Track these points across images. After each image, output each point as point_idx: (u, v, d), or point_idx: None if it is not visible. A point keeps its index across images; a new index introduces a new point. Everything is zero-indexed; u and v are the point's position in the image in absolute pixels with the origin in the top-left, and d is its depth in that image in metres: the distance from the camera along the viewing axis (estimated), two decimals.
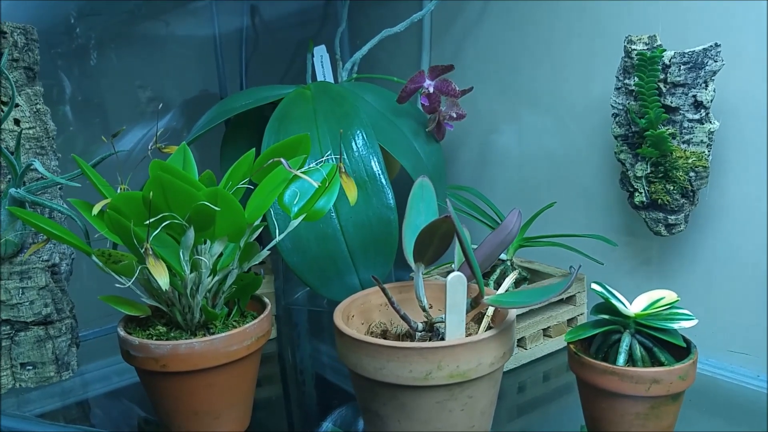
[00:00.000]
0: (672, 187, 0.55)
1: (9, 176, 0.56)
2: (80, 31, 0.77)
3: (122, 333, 0.46)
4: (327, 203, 0.47)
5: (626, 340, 0.43)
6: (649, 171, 0.57)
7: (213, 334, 0.46)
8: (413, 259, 0.44)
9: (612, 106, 0.58)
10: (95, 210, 0.42)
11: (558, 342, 0.61)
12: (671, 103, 0.54)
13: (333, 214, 0.59)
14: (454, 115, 0.67)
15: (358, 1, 0.92)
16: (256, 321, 0.47)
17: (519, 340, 0.59)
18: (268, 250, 0.48)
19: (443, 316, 0.42)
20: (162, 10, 0.85)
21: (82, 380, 0.63)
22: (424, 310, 0.45)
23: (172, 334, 0.46)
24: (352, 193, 0.46)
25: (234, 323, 0.48)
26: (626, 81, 0.56)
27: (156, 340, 0.45)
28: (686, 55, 0.52)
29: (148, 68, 0.83)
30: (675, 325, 0.42)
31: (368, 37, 0.74)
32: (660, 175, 0.56)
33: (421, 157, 0.66)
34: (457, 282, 0.40)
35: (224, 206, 0.41)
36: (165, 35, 0.85)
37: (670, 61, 0.53)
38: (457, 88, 0.65)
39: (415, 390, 0.39)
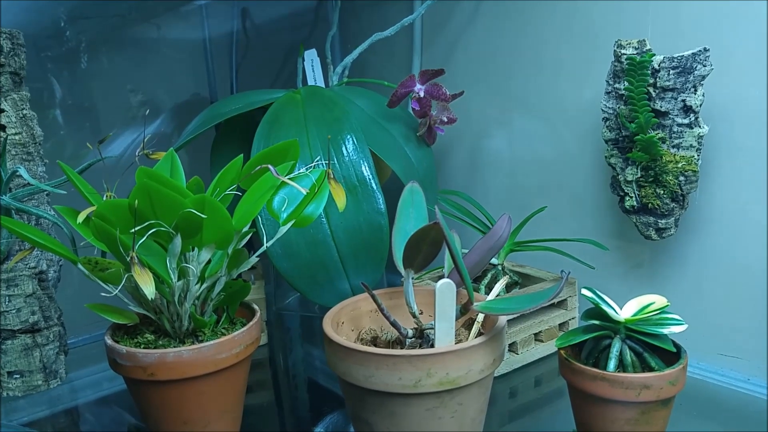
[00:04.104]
0: (662, 191, 0.55)
1: None
2: (70, 35, 0.76)
3: (109, 341, 0.45)
4: (316, 209, 0.47)
5: (616, 346, 0.43)
6: (639, 175, 0.57)
7: (202, 341, 0.45)
8: (403, 265, 0.44)
9: (602, 110, 0.58)
10: (80, 218, 0.42)
11: (549, 346, 0.61)
12: (661, 107, 0.54)
13: (323, 220, 0.59)
14: (445, 120, 0.66)
15: (349, 4, 0.92)
16: (245, 328, 0.46)
17: (510, 345, 0.59)
18: (256, 257, 0.47)
19: (433, 322, 0.41)
20: (152, 14, 0.84)
21: (71, 387, 0.62)
22: (414, 316, 0.44)
23: (161, 342, 0.46)
24: (340, 200, 0.46)
25: (223, 331, 0.48)
26: (616, 85, 0.56)
27: (144, 348, 0.44)
28: (675, 60, 0.52)
29: (139, 72, 0.83)
30: (665, 330, 0.42)
31: (359, 40, 0.74)
32: (650, 179, 0.56)
33: (412, 161, 0.66)
34: (445, 289, 0.40)
35: (211, 213, 0.40)
36: (155, 39, 0.85)
37: (659, 65, 0.53)
38: (448, 93, 0.65)
39: (405, 398, 0.39)
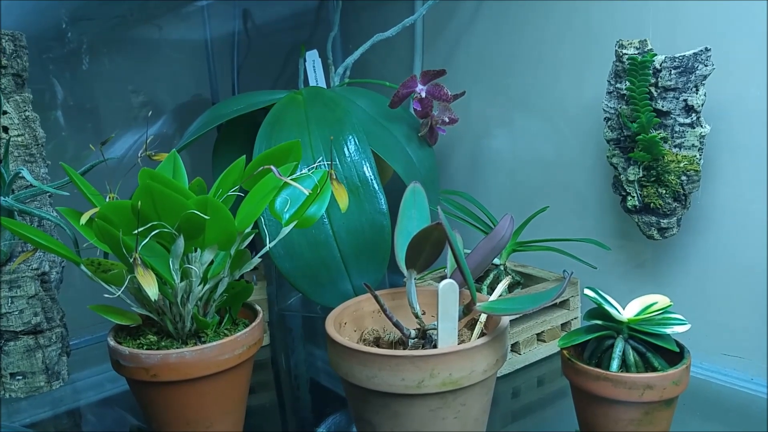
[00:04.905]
0: (664, 191, 0.55)
1: None
2: (72, 36, 0.76)
3: (112, 342, 0.45)
4: (318, 210, 0.47)
5: (619, 346, 0.43)
6: (641, 175, 0.57)
7: (204, 342, 0.45)
8: (405, 265, 0.44)
9: (604, 110, 0.58)
10: (83, 219, 0.42)
11: (552, 346, 0.61)
12: (662, 107, 0.54)
13: (325, 220, 0.59)
14: (447, 120, 0.66)
15: (350, 5, 0.92)
16: (247, 329, 0.46)
17: (513, 345, 0.59)
18: (259, 257, 0.47)
19: (436, 322, 0.41)
20: (154, 15, 0.84)
21: (74, 389, 0.62)
22: (416, 316, 0.44)
23: (163, 344, 0.46)
24: (343, 200, 0.46)
25: (225, 332, 0.48)
26: (618, 85, 0.56)
27: (146, 349, 0.44)
28: (677, 60, 0.52)
29: (140, 73, 0.83)
30: (668, 330, 0.42)
31: (360, 41, 0.74)
32: (652, 179, 0.56)
33: (414, 162, 0.66)
34: (448, 290, 0.40)
35: (214, 214, 0.40)
36: (157, 40, 0.85)
37: (660, 65, 0.53)
38: (449, 93, 0.65)
39: (408, 398, 0.39)
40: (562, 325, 0.62)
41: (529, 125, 0.73)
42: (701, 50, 0.52)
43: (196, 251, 0.44)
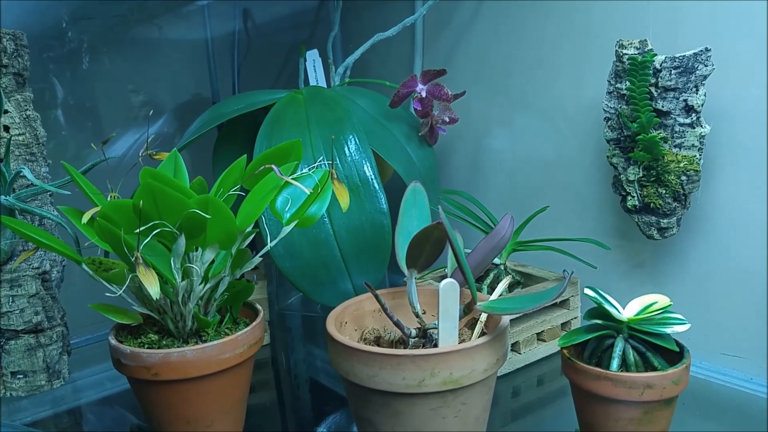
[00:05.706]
0: (664, 191, 0.56)
1: None
2: (72, 35, 0.76)
3: (113, 341, 0.45)
4: (319, 209, 0.47)
5: (619, 345, 0.43)
6: (641, 175, 0.57)
7: (205, 341, 0.45)
8: (406, 265, 0.44)
9: (604, 110, 0.58)
10: (85, 218, 0.42)
11: (552, 346, 0.61)
12: (662, 107, 0.54)
13: (326, 219, 0.59)
14: (447, 120, 0.67)
15: (351, 4, 0.92)
16: (248, 328, 0.46)
17: (513, 345, 0.59)
18: (260, 257, 0.47)
19: (437, 322, 0.41)
20: (154, 14, 0.84)
21: (74, 387, 0.62)
22: (417, 316, 0.44)
23: (164, 342, 0.46)
24: (344, 200, 0.46)
25: (226, 331, 0.48)
26: (618, 85, 0.57)
27: (148, 348, 0.44)
28: (677, 60, 0.52)
29: (141, 72, 0.83)
30: (668, 330, 0.42)
31: (361, 41, 0.74)
32: (652, 178, 0.56)
33: (414, 161, 0.66)
34: (449, 289, 0.40)
35: (215, 213, 0.40)
36: (157, 39, 0.85)
37: (661, 65, 0.53)
38: (450, 93, 0.65)
39: (409, 397, 0.39)
40: (562, 324, 0.62)
41: (530, 125, 0.73)
42: (701, 50, 0.52)
43: (197, 250, 0.44)
